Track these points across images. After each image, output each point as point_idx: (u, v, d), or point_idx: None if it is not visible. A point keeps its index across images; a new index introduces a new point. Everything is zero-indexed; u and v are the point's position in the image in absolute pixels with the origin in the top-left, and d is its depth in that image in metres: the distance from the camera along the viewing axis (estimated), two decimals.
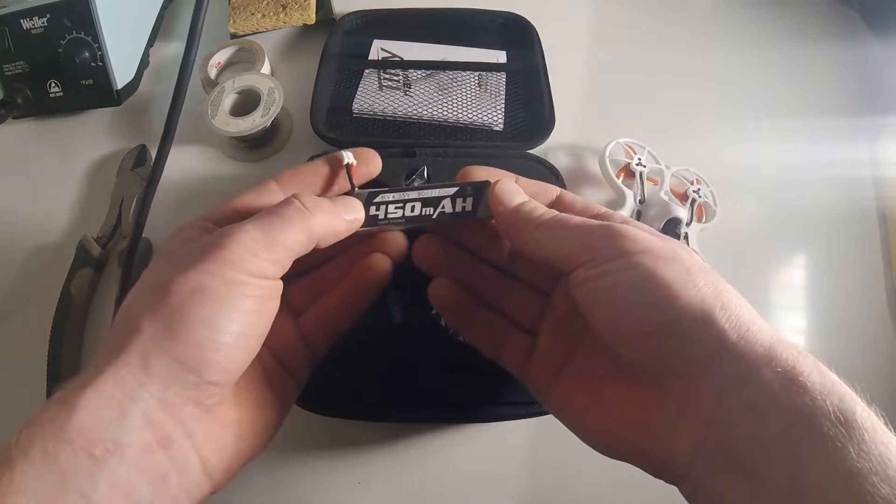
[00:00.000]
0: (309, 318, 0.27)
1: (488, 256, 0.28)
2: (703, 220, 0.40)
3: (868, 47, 0.51)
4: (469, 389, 0.31)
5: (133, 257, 0.34)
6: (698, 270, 0.21)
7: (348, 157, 0.26)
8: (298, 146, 0.45)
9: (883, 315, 0.39)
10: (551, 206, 0.27)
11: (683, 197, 0.41)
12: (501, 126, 0.43)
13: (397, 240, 0.27)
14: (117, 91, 0.45)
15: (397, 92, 0.44)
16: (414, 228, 0.27)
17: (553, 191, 0.27)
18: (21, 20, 0.43)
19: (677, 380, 0.20)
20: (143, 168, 0.43)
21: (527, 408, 0.31)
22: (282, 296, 0.22)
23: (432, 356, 0.32)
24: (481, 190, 0.26)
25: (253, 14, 0.48)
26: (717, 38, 0.51)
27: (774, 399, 0.18)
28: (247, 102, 0.43)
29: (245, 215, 0.24)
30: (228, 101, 0.43)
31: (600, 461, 0.33)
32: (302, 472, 0.33)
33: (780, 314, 0.39)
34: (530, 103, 0.44)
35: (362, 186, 0.27)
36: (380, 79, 0.45)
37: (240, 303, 0.20)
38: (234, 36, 0.48)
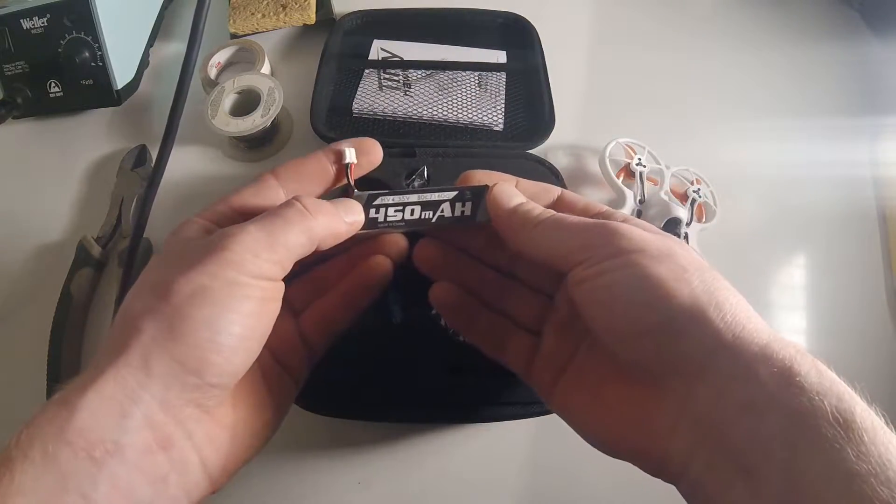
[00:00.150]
0: (308, 317, 0.27)
1: (489, 259, 0.28)
2: (703, 220, 0.40)
3: (868, 47, 0.51)
4: (469, 389, 0.31)
5: (133, 257, 0.34)
6: (694, 268, 0.21)
7: (350, 155, 0.26)
8: (298, 146, 0.45)
9: (883, 315, 0.39)
10: (552, 205, 0.27)
11: (683, 197, 0.41)
12: (501, 126, 0.43)
13: (397, 241, 0.27)
14: (117, 91, 0.45)
15: (397, 92, 0.44)
16: (413, 231, 0.27)
17: (554, 191, 0.27)
18: (21, 20, 0.43)
19: (675, 379, 0.20)
20: (143, 168, 0.43)
21: (527, 408, 0.31)
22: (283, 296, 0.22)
23: (432, 356, 0.32)
24: (480, 194, 0.26)
25: (253, 14, 0.48)
26: (717, 38, 0.51)
27: (772, 398, 0.18)
28: (247, 102, 0.43)
29: (244, 214, 0.24)
30: (228, 101, 0.43)
31: (600, 461, 0.33)
32: (302, 472, 0.33)
33: (780, 314, 0.39)
34: (530, 103, 0.44)
35: (363, 179, 0.27)
36: (380, 79, 0.45)
37: (241, 304, 0.20)
38: (234, 36, 0.48)
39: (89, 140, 0.46)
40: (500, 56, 0.47)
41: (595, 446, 0.23)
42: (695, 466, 0.19)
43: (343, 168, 0.27)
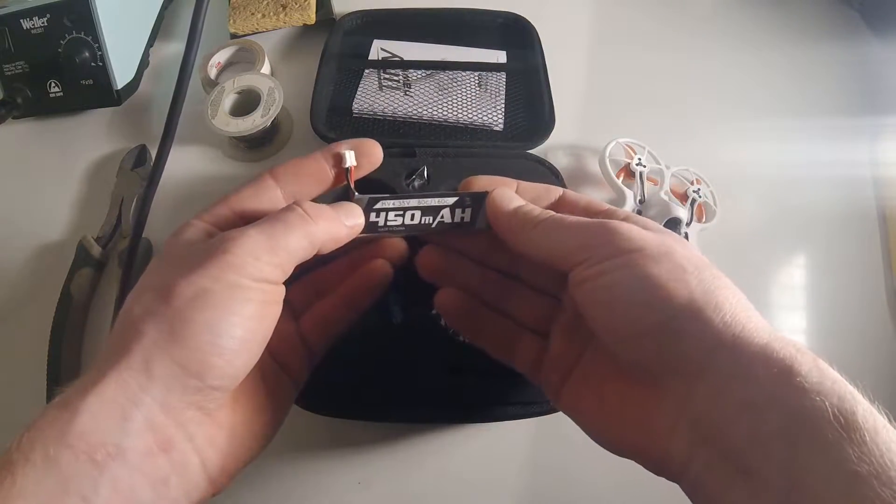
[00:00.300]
0: (308, 319, 0.27)
1: (492, 262, 0.28)
2: (703, 220, 0.40)
3: (868, 47, 0.51)
4: (469, 389, 0.31)
5: (133, 257, 0.34)
6: (694, 267, 0.21)
7: (350, 159, 0.26)
8: (298, 146, 0.45)
9: (883, 315, 0.39)
10: (554, 206, 0.27)
11: (683, 197, 0.41)
12: (501, 126, 0.43)
13: (397, 245, 0.27)
14: (117, 91, 0.45)
15: (397, 92, 0.44)
16: (413, 236, 0.27)
17: (555, 192, 0.27)
18: (21, 20, 0.43)
19: (675, 379, 0.20)
20: (143, 168, 0.43)
21: (527, 408, 0.31)
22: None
23: (432, 356, 0.32)
24: (480, 201, 0.26)
25: (253, 14, 0.48)
26: (717, 38, 0.51)
27: (772, 399, 0.18)
28: (247, 102, 0.43)
29: (244, 217, 0.24)
30: (228, 101, 0.43)
31: (600, 461, 0.33)
32: (302, 472, 0.33)
33: (780, 314, 0.39)
34: (530, 103, 0.44)
35: (363, 179, 0.27)
36: (380, 79, 0.45)
37: (243, 307, 0.20)
38: (234, 36, 0.48)
39: (89, 140, 0.46)
40: (500, 56, 0.47)
41: (600, 445, 0.23)
42: (695, 466, 0.19)
43: (343, 170, 0.27)
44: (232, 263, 0.20)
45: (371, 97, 0.44)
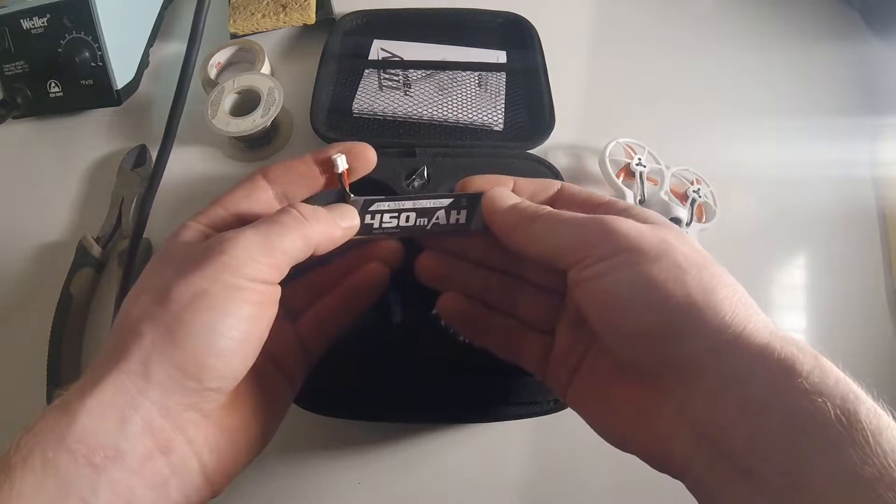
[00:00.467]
0: (305, 321, 0.27)
1: (492, 263, 0.28)
2: (703, 220, 0.40)
3: (868, 47, 0.51)
4: (469, 389, 0.31)
5: (133, 257, 0.34)
6: (692, 265, 0.20)
7: (342, 163, 0.26)
8: (298, 146, 0.45)
9: (883, 315, 0.39)
10: (552, 200, 0.26)
11: (683, 197, 0.41)
12: (501, 126, 0.43)
13: (393, 247, 0.27)
14: (117, 91, 0.45)
15: (397, 92, 0.44)
16: (408, 237, 0.27)
17: (553, 185, 0.27)
18: (21, 20, 0.43)
19: (675, 380, 0.20)
20: (143, 168, 0.43)
21: (527, 408, 0.31)
22: (280, 300, 0.22)
23: (432, 356, 0.32)
24: (475, 202, 0.26)
25: (253, 14, 0.48)
26: (717, 38, 0.51)
27: (772, 400, 0.18)
28: (247, 102, 0.43)
29: (239, 218, 0.24)
30: (228, 101, 0.43)
31: (600, 461, 0.33)
32: (302, 472, 0.33)
33: (781, 314, 0.39)
34: (530, 103, 0.44)
35: (362, 180, 0.27)
36: (380, 79, 0.45)
37: (240, 308, 0.20)
38: (234, 36, 0.48)
39: (89, 140, 0.46)
40: (500, 56, 0.47)
41: (606, 441, 0.23)
42: (696, 466, 0.19)
43: (334, 173, 0.27)
44: (228, 264, 0.20)
45: (371, 97, 0.44)
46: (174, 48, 0.50)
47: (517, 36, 0.48)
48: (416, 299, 0.31)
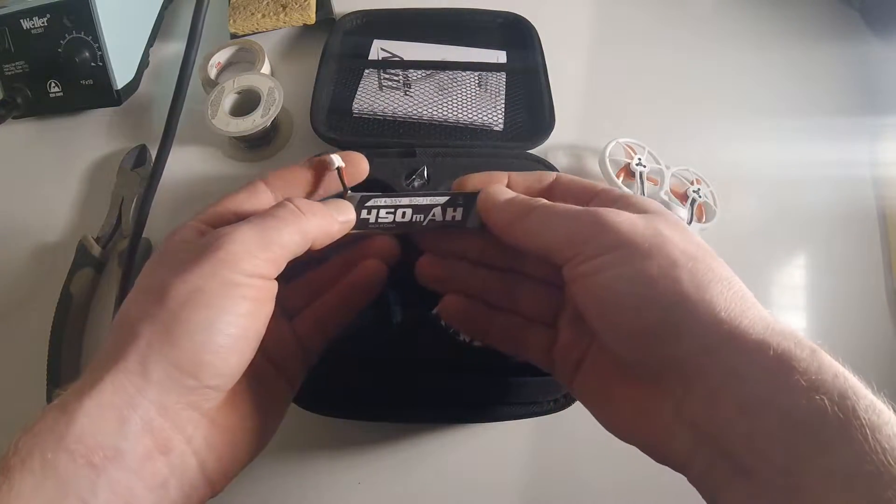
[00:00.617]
0: (303, 319, 0.27)
1: (491, 261, 0.28)
2: (703, 220, 0.40)
3: (868, 47, 0.51)
4: (469, 389, 0.31)
5: (133, 257, 0.34)
6: (686, 259, 0.20)
7: (337, 160, 0.27)
8: (298, 146, 0.45)
9: (883, 315, 0.39)
10: (547, 191, 0.26)
11: (683, 197, 0.41)
12: (501, 126, 0.43)
13: (390, 244, 0.27)
14: (117, 91, 0.45)
15: (397, 92, 0.44)
16: (404, 233, 0.27)
17: (548, 177, 0.27)
18: (21, 20, 0.43)
19: (672, 379, 0.20)
20: (143, 168, 0.43)
21: (527, 408, 0.31)
22: (276, 298, 0.22)
23: (432, 356, 0.32)
24: (471, 201, 0.26)
25: (253, 14, 0.48)
26: (718, 38, 0.51)
27: (768, 399, 0.18)
28: (247, 102, 0.43)
29: (238, 216, 0.24)
30: (228, 101, 0.43)
31: (600, 461, 0.33)
32: (302, 472, 0.33)
33: (781, 314, 0.39)
34: (530, 103, 0.44)
35: (354, 188, 0.27)
36: (380, 79, 0.45)
37: (237, 305, 0.20)
38: (234, 36, 0.48)
39: (89, 140, 0.46)
40: (500, 56, 0.47)
41: (611, 433, 0.23)
42: (696, 464, 0.19)
43: (331, 175, 0.27)
44: (225, 260, 0.20)
45: (371, 97, 0.44)
46: (174, 48, 0.50)
47: (517, 36, 0.48)
48: (416, 299, 0.31)
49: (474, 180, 0.28)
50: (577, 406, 0.31)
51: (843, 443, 0.16)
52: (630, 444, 0.22)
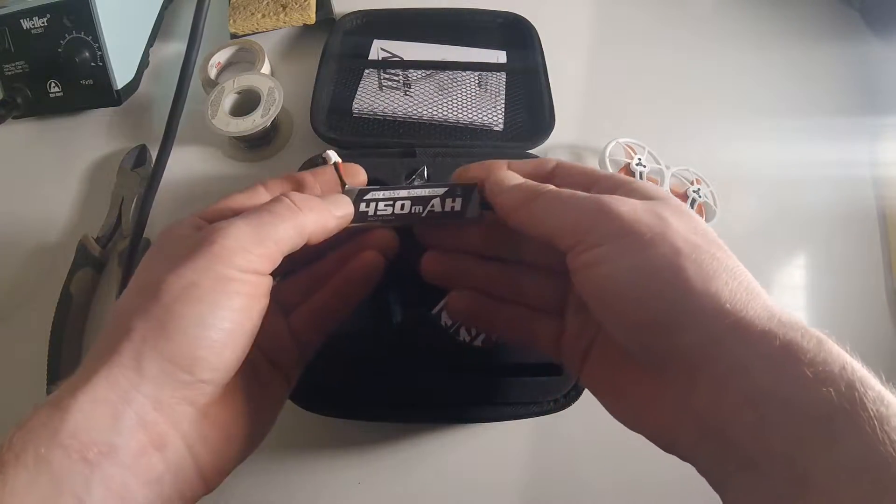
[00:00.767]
0: (299, 315, 0.26)
1: (495, 252, 0.27)
2: (704, 220, 0.40)
3: (868, 47, 0.51)
4: (469, 389, 0.31)
5: (133, 257, 0.34)
6: (690, 248, 0.20)
7: (334, 156, 0.27)
8: (298, 146, 0.45)
9: (883, 315, 0.39)
10: (549, 176, 0.26)
11: (683, 197, 0.41)
12: (501, 126, 0.43)
13: (388, 236, 0.27)
14: (117, 91, 0.45)
15: (397, 92, 0.44)
16: (403, 226, 0.27)
17: (549, 163, 0.27)
18: (21, 20, 0.43)
19: (677, 371, 0.20)
20: (143, 168, 0.43)
21: (527, 408, 0.31)
22: (272, 293, 0.22)
23: (432, 356, 0.32)
24: (470, 191, 0.26)
25: (253, 14, 0.48)
26: (718, 38, 0.51)
27: (772, 391, 0.17)
28: (247, 102, 0.43)
29: (235, 214, 0.24)
30: (228, 101, 0.43)
31: (600, 461, 0.33)
32: (302, 472, 0.33)
33: None
34: (530, 103, 0.44)
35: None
36: (380, 79, 0.45)
37: (231, 300, 0.20)
38: (234, 36, 0.48)
39: (89, 140, 0.46)
40: (500, 56, 0.47)
41: (619, 422, 0.23)
42: (702, 456, 0.19)
43: (329, 178, 0.27)
44: (219, 255, 0.20)
45: (371, 97, 0.44)
46: (174, 48, 0.50)
47: (517, 36, 0.48)
48: (415, 299, 0.31)
49: (474, 170, 0.27)
50: (577, 406, 0.31)
51: (851, 434, 0.16)
52: (637, 433, 0.22)
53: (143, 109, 0.47)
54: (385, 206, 0.26)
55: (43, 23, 0.43)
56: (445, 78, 0.45)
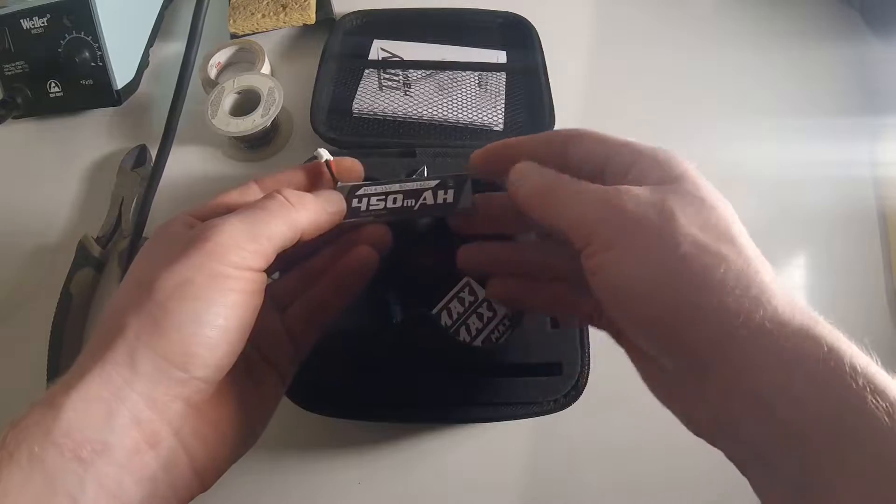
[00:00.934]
0: (293, 311, 0.26)
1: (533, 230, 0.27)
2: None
3: (868, 47, 0.51)
4: (469, 389, 0.31)
5: (133, 257, 0.34)
6: (695, 252, 0.20)
7: (325, 154, 0.27)
8: (298, 146, 0.45)
9: (883, 315, 0.39)
10: (563, 149, 0.25)
11: None
12: (501, 126, 0.43)
13: (381, 231, 0.27)
14: (117, 91, 0.45)
15: (397, 92, 0.44)
16: (397, 220, 0.27)
17: (561, 135, 0.25)
18: (21, 20, 0.43)
19: (689, 369, 0.20)
20: (143, 168, 0.43)
21: (527, 408, 0.31)
22: (267, 290, 0.22)
23: (432, 356, 0.32)
24: (462, 183, 0.26)
25: (253, 14, 0.48)
26: (718, 38, 0.51)
27: (781, 391, 0.17)
28: (247, 102, 0.43)
29: (229, 211, 0.24)
30: (228, 101, 0.43)
31: (600, 461, 0.33)
32: (302, 472, 0.33)
33: None
34: (530, 103, 0.44)
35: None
36: (380, 79, 0.45)
37: (225, 297, 0.20)
38: (234, 36, 0.48)
39: (89, 140, 0.46)
40: (500, 56, 0.47)
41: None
42: (720, 445, 0.20)
43: (323, 176, 0.27)
44: (213, 252, 0.20)
45: (371, 97, 0.44)
46: (174, 48, 0.50)
47: (517, 36, 0.48)
48: (415, 299, 0.31)
49: (491, 148, 0.27)
50: (577, 406, 0.31)
51: (861, 434, 0.16)
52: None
53: (143, 109, 0.47)
54: (377, 200, 0.26)
55: (43, 23, 0.43)
56: (445, 78, 0.45)
